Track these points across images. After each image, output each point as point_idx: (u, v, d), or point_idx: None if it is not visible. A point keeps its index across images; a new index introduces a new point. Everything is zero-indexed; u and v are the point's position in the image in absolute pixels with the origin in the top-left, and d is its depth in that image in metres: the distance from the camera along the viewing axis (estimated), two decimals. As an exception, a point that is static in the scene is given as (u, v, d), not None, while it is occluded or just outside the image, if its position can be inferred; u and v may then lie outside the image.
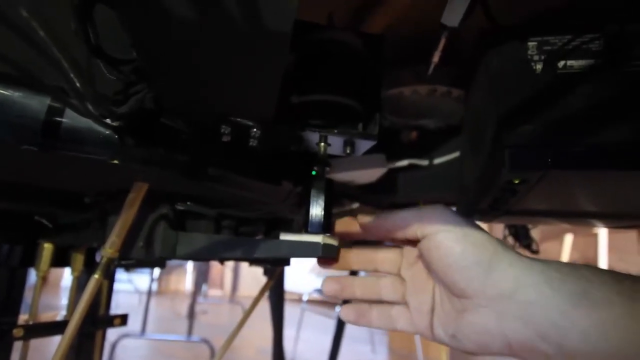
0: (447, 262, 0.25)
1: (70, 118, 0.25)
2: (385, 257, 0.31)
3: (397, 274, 0.31)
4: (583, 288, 0.22)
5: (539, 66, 0.32)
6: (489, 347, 0.24)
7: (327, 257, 0.29)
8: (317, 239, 0.28)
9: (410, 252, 0.30)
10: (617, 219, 0.44)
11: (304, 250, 0.28)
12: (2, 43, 0.22)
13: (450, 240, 0.25)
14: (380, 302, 0.31)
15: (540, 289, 0.22)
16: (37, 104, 0.24)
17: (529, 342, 0.23)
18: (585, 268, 0.23)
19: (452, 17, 0.31)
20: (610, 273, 0.22)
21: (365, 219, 0.29)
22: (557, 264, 0.23)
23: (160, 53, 0.21)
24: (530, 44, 0.33)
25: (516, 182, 0.30)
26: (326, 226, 0.30)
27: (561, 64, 0.32)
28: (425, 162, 0.55)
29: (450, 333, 0.26)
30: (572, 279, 0.22)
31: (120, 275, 3.45)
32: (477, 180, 0.37)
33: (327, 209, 0.30)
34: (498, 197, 0.34)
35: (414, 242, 0.28)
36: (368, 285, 0.31)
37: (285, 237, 0.29)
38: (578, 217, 0.44)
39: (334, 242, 0.29)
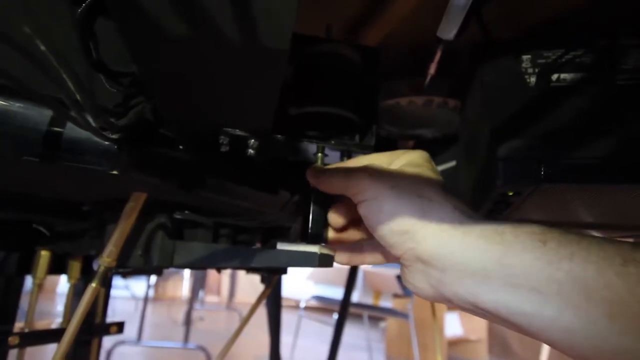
0: (372, 228, 0.26)
1: (71, 129, 0.25)
2: None
3: None
4: (500, 254, 0.22)
5: (532, 79, 0.33)
6: (424, 294, 0.26)
7: (323, 267, 0.29)
8: (314, 249, 0.29)
9: None
10: (613, 230, 0.44)
11: (301, 260, 0.29)
12: (2, 57, 0.22)
13: (371, 211, 0.26)
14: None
15: (455, 257, 0.23)
16: (38, 115, 0.25)
17: (451, 298, 0.24)
18: (510, 229, 0.23)
19: (447, 30, 0.31)
20: (536, 234, 0.22)
21: (314, 178, 0.30)
22: (481, 227, 0.23)
23: (157, 67, 0.21)
24: (525, 57, 0.34)
25: (510, 194, 0.31)
26: (323, 236, 0.30)
27: (554, 77, 0.33)
28: (421, 171, 0.55)
29: None
30: (490, 245, 0.22)
31: (117, 281, 3.42)
32: (472, 190, 0.37)
33: (323, 219, 0.30)
34: (492, 208, 0.34)
35: None
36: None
37: (282, 247, 0.29)
38: (573, 228, 0.44)
39: (330, 252, 0.30)
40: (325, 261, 0.29)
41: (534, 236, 0.22)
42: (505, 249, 0.22)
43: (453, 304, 0.25)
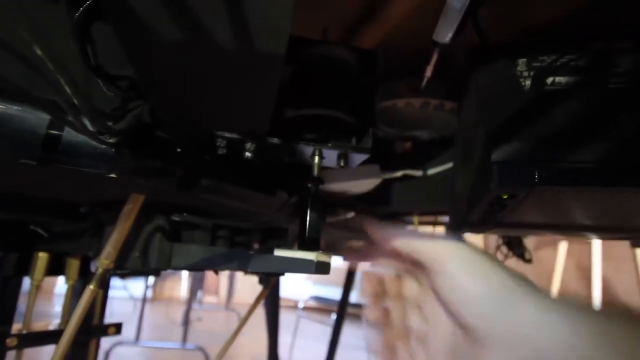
0: (457, 294, 0.23)
1: (69, 132, 0.25)
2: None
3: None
4: (604, 328, 0.20)
5: (527, 82, 0.33)
6: None
7: (320, 273, 0.29)
8: (311, 256, 0.29)
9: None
10: (609, 232, 0.44)
11: (297, 267, 0.29)
12: None
13: (460, 271, 0.23)
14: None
15: (558, 331, 0.21)
16: (35, 118, 0.25)
17: None
18: (605, 308, 0.22)
19: (443, 33, 0.32)
20: (630, 312, 0.21)
21: (375, 231, 0.29)
22: (578, 303, 0.22)
23: (153, 68, 0.21)
24: (520, 60, 0.34)
25: (504, 197, 0.31)
26: (320, 242, 0.30)
27: (549, 80, 0.33)
28: (419, 173, 0.56)
29: None
30: (592, 319, 0.21)
31: (115, 282, 3.42)
32: (467, 193, 0.38)
33: (320, 225, 0.30)
34: (487, 210, 0.34)
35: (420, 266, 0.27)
36: (400, 316, 0.31)
37: (279, 252, 0.29)
38: (570, 230, 0.44)
39: (327, 259, 0.30)
40: (322, 268, 0.29)
41: (630, 312, 0.21)
42: (607, 323, 0.21)
43: None
